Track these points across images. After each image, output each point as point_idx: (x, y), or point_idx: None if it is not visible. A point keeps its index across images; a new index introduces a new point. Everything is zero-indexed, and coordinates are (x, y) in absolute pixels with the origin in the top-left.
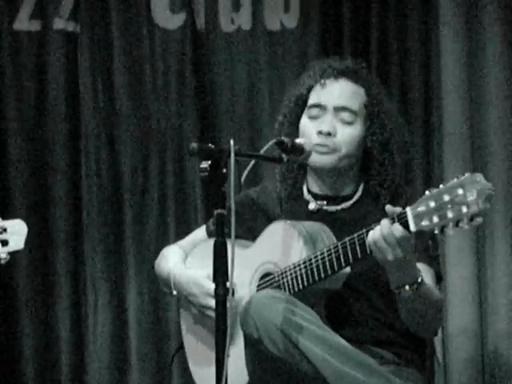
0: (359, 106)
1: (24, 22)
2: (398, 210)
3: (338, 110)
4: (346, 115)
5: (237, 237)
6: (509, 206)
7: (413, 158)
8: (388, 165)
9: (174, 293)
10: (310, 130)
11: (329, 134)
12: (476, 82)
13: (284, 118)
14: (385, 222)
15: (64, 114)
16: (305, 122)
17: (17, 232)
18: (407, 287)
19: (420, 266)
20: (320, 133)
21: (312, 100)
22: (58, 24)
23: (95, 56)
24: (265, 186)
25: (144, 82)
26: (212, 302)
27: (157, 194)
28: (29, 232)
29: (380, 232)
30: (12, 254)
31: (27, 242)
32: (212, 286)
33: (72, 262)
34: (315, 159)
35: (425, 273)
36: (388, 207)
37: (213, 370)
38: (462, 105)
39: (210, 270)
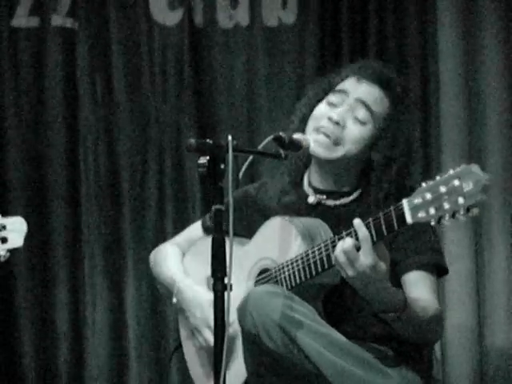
0: (378, 112)
1: (22, 19)
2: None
3: (358, 102)
4: (362, 112)
5: (234, 234)
6: (507, 201)
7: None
8: (385, 181)
9: (174, 301)
10: (321, 114)
11: (337, 124)
12: (474, 74)
13: (302, 112)
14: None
15: (62, 110)
16: (321, 106)
17: (16, 229)
18: (390, 314)
19: (416, 273)
20: (329, 119)
21: (338, 87)
22: (56, 20)
23: (93, 52)
24: (263, 183)
25: (142, 78)
26: (208, 335)
27: (155, 191)
28: (27, 230)
29: (341, 247)
30: (11, 251)
31: (26, 239)
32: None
33: (70, 260)
34: (314, 149)
35: (421, 281)
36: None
37: (211, 366)
38: (459, 98)
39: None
